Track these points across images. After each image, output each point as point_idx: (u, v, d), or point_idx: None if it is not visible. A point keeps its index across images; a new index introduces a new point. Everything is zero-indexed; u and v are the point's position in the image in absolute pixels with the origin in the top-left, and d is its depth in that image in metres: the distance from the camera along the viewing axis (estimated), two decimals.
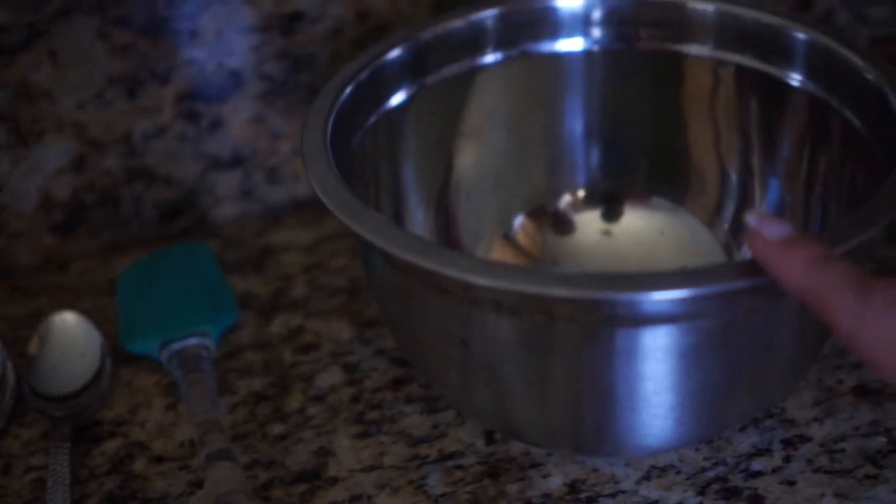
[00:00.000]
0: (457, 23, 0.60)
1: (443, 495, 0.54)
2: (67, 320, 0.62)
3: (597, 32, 0.61)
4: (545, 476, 0.55)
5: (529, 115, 0.63)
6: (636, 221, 0.63)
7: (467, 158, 0.62)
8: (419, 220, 0.61)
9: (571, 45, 0.61)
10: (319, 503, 0.55)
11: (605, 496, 0.54)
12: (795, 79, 0.58)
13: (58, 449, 0.56)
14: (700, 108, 0.62)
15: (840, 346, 0.60)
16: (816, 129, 0.57)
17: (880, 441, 0.55)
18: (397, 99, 0.59)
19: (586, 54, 0.62)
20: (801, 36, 0.57)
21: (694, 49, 0.60)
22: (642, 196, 0.63)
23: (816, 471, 0.54)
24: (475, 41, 0.60)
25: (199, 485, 0.56)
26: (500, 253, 0.62)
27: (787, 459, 0.55)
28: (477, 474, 0.55)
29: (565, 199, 0.64)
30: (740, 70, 0.60)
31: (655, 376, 0.49)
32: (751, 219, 0.45)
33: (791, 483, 0.54)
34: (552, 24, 0.61)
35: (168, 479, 0.56)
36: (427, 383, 0.59)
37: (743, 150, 0.61)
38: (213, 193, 0.70)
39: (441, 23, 0.59)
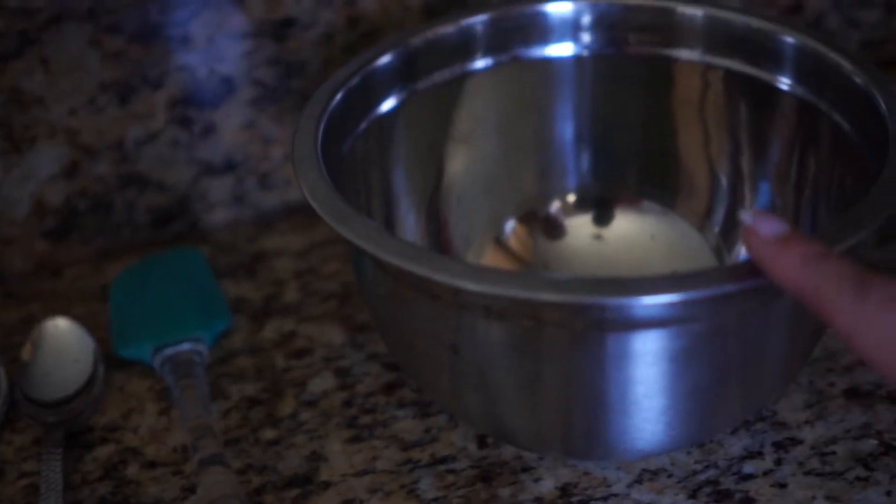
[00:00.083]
0: (447, 28, 0.60)
1: (435, 499, 0.55)
2: (60, 326, 0.62)
3: (586, 37, 0.61)
4: (537, 480, 0.55)
5: (520, 120, 0.63)
6: (627, 225, 0.64)
7: (458, 164, 0.62)
8: (410, 225, 0.61)
9: (561, 50, 0.62)
10: None
11: (596, 500, 0.54)
12: (784, 83, 0.58)
13: (50, 455, 0.57)
14: (690, 113, 0.62)
15: (831, 348, 0.60)
16: (806, 133, 0.58)
17: (871, 444, 0.55)
18: (388, 105, 0.59)
19: (576, 59, 0.62)
20: (789, 40, 0.57)
21: (683, 53, 0.61)
22: (633, 200, 0.64)
23: (808, 473, 0.54)
24: (465, 47, 0.60)
25: (191, 490, 0.56)
26: (491, 258, 0.63)
27: (778, 462, 0.55)
28: (469, 478, 0.55)
29: (556, 204, 0.64)
30: (729, 74, 0.60)
31: (646, 380, 0.49)
32: (745, 216, 0.45)
33: (782, 486, 0.54)
34: (542, 30, 0.61)
35: (161, 485, 0.56)
36: (419, 388, 0.59)
37: (733, 153, 0.61)
38: (205, 199, 0.70)
39: (431, 28, 0.60)
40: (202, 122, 0.68)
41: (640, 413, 0.50)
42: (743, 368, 0.51)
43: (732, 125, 0.61)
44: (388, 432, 0.58)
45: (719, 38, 0.59)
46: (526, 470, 0.56)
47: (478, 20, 0.60)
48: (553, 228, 0.64)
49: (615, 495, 0.54)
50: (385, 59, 0.58)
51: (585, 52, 0.62)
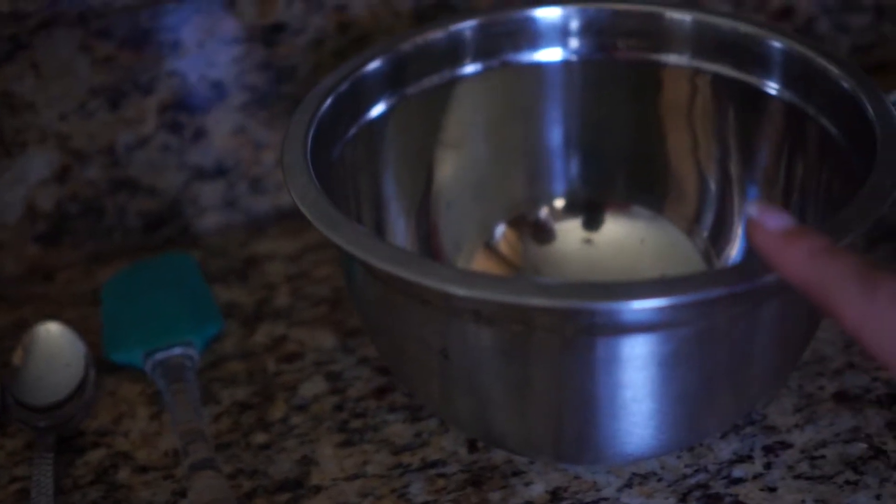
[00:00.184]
0: (436, 34, 0.60)
1: (425, 503, 0.55)
2: (51, 330, 0.62)
3: (575, 42, 0.62)
4: (527, 484, 0.55)
5: (509, 125, 0.63)
6: (617, 230, 0.64)
7: (448, 169, 0.62)
8: (400, 230, 0.61)
9: (550, 55, 0.62)
10: None
11: None
12: (772, 87, 0.58)
13: (42, 459, 0.57)
14: (678, 117, 0.62)
15: (821, 352, 0.60)
16: (793, 137, 0.58)
17: (860, 447, 0.56)
18: (377, 110, 0.59)
19: (565, 64, 0.62)
20: (777, 45, 0.58)
21: (672, 58, 0.61)
22: (622, 205, 0.64)
23: (797, 477, 0.55)
24: (455, 52, 0.60)
25: (182, 494, 0.56)
26: (481, 262, 0.63)
27: (767, 466, 0.55)
28: (459, 482, 0.56)
29: (546, 209, 0.64)
30: (718, 79, 0.60)
31: (636, 384, 0.49)
32: (751, 209, 0.44)
33: (772, 490, 0.54)
34: (531, 35, 0.61)
35: (152, 489, 0.56)
36: (409, 392, 0.59)
37: (721, 157, 0.61)
38: (196, 204, 0.70)
39: (421, 34, 0.60)
40: (193, 127, 0.69)
41: (629, 417, 0.50)
42: (732, 372, 0.51)
43: (721, 130, 0.61)
44: (378, 436, 0.58)
45: (707, 43, 0.60)
46: (516, 474, 0.56)
47: (467, 26, 0.60)
48: (543, 233, 0.64)
49: (605, 499, 0.54)
50: (374, 65, 0.58)
51: (574, 58, 0.62)
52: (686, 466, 0.55)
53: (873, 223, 0.47)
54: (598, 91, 0.62)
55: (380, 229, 0.60)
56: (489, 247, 0.64)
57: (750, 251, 0.60)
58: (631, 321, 0.47)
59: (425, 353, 0.51)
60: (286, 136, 0.54)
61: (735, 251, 0.61)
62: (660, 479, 0.55)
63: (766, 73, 0.58)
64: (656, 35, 0.61)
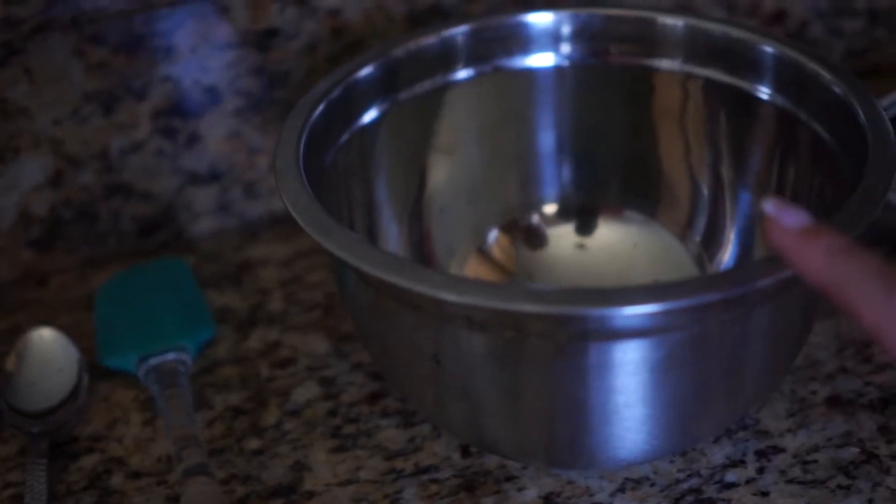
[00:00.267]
0: (429, 39, 0.60)
1: None
2: (45, 336, 0.62)
3: (567, 48, 0.62)
4: (520, 489, 0.55)
5: (502, 130, 0.63)
6: (610, 235, 0.64)
7: (440, 174, 0.62)
8: (393, 236, 0.61)
9: (543, 60, 0.62)
10: None
11: None
12: (764, 92, 0.58)
13: (35, 465, 0.57)
14: (671, 122, 0.62)
15: (813, 357, 0.60)
16: (785, 142, 0.58)
17: (853, 452, 0.56)
18: (370, 116, 0.59)
19: (557, 69, 0.62)
20: (769, 50, 0.58)
21: (664, 63, 0.61)
22: (615, 209, 0.64)
23: (790, 482, 0.55)
24: (447, 57, 0.60)
25: (176, 500, 0.56)
26: (474, 267, 0.63)
27: (760, 471, 0.55)
28: (452, 488, 0.56)
29: (539, 214, 0.64)
30: (710, 84, 0.60)
31: (628, 390, 0.49)
32: (767, 206, 0.44)
33: (765, 494, 0.54)
34: (523, 40, 0.61)
35: (145, 495, 0.56)
36: (402, 398, 0.59)
37: (713, 162, 0.61)
38: (190, 209, 0.70)
39: (413, 39, 0.60)
40: (187, 132, 0.69)
41: (622, 422, 0.50)
42: (725, 377, 0.51)
43: (713, 134, 0.61)
44: (371, 442, 0.58)
45: (699, 48, 0.60)
46: (509, 479, 0.56)
47: (459, 31, 0.60)
48: (536, 238, 0.64)
49: None
50: (367, 71, 0.58)
51: (566, 63, 0.62)
52: (679, 471, 0.55)
53: (866, 228, 0.47)
54: (590, 96, 0.62)
55: (372, 235, 0.60)
56: (482, 252, 0.64)
57: (742, 256, 0.60)
58: (623, 327, 0.47)
59: (418, 358, 0.51)
60: (278, 141, 0.54)
61: (727, 256, 0.61)
62: (653, 484, 0.55)
63: (758, 78, 0.58)
64: (648, 40, 0.61)
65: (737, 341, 0.50)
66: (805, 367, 0.60)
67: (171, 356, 0.61)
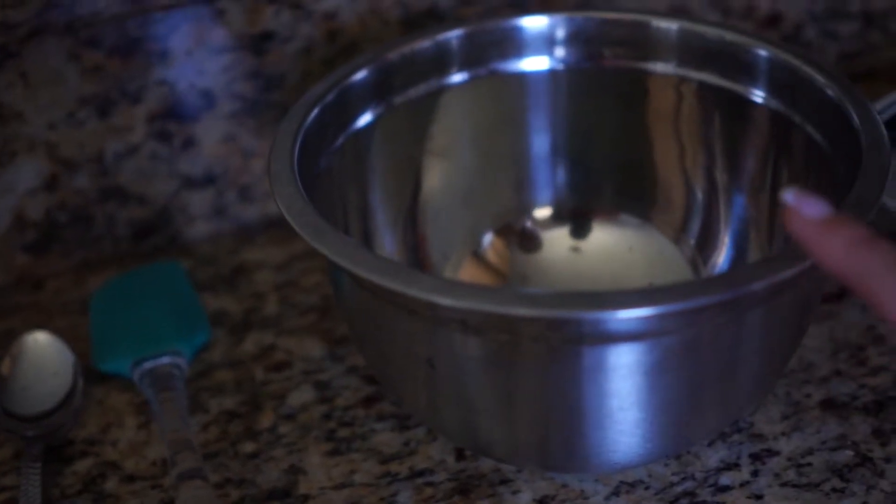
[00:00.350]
0: (423, 43, 0.60)
1: None
2: (39, 340, 0.62)
3: (562, 51, 0.62)
4: (515, 492, 0.55)
5: (496, 133, 0.63)
6: (605, 238, 0.64)
7: (435, 178, 0.62)
8: (387, 239, 0.61)
9: (537, 63, 0.62)
10: None
11: None
12: (758, 95, 0.58)
13: (29, 469, 0.57)
14: (665, 125, 0.62)
15: (808, 360, 0.60)
16: (779, 145, 0.58)
17: (847, 454, 0.56)
18: (364, 120, 0.59)
19: (552, 73, 0.62)
20: (763, 53, 0.58)
21: (658, 67, 0.61)
22: (610, 212, 0.64)
23: (784, 485, 0.55)
24: (441, 61, 0.60)
25: None
26: (469, 271, 0.63)
27: (754, 474, 0.55)
28: (447, 491, 0.56)
29: (533, 217, 0.64)
30: (704, 87, 0.60)
31: (622, 393, 0.49)
32: (788, 196, 0.44)
33: (759, 497, 0.54)
34: (517, 44, 0.61)
35: (140, 499, 0.56)
36: (397, 401, 0.59)
37: (707, 165, 0.61)
38: (185, 212, 0.70)
39: (407, 43, 0.60)
40: (182, 136, 0.69)
41: (616, 426, 0.50)
42: (719, 380, 0.51)
43: (707, 137, 0.61)
44: (366, 445, 0.58)
45: (693, 52, 0.60)
46: (504, 482, 0.56)
47: (453, 35, 0.60)
48: (531, 241, 0.64)
49: None
50: (361, 75, 0.58)
51: (561, 66, 0.62)
52: (673, 474, 0.55)
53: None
54: (584, 99, 0.62)
55: (367, 239, 0.60)
56: (477, 256, 0.64)
57: (737, 259, 0.60)
58: (617, 330, 0.47)
59: (412, 362, 0.51)
60: (273, 146, 0.54)
61: (721, 259, 0.61)
62: (647, 487, 0.55)
63: (753, 82, 0.58)
64: (642, 44, 0.61)
65: (731, 344, 0.50)
66: (799, 370, 0.60)
67: (165, 360, 0.61)
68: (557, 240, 0.64)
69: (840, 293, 0.63)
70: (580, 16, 0.61)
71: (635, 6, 0.72)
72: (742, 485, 0.55)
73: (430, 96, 0.61)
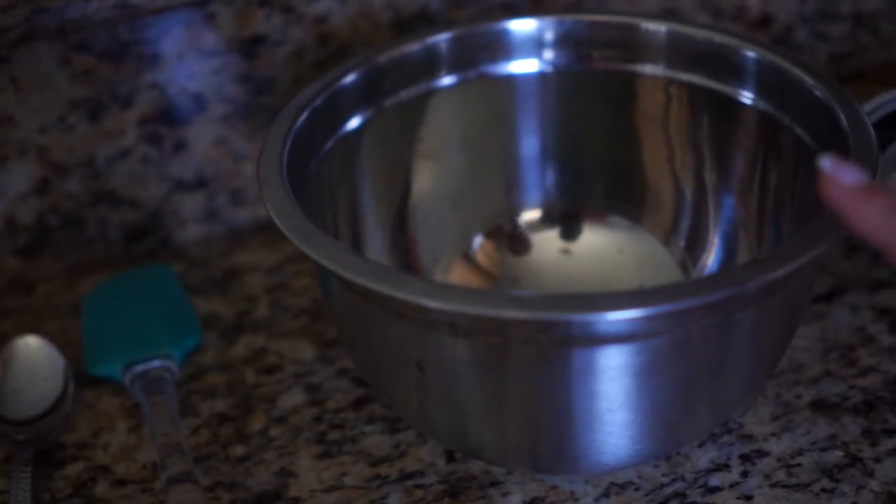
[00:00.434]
0: (412, 46, 0.60)
1: None
2: (30, 344, 0.62)
3: (551, 54, 0.62)
4: (505, 494, 0.55)
5: (486, 136, 0.63)
6: (595, 240, 0.64)
7: (425, 181, 0.63)
8: (378, 242, 0.61)
9: (526, 66, 0.62)
10: None
11: None
12: (747, 97, 0.58)
13: (20, 473, 0.57)
14: (654, 127, 0.62)
15: (798, 360, 0.60)
16: (768, 146, 0.58)
17: (837, 455, 0.56)
18: (354, 123, 0.59)
19: (541, 75, 0.62)
20: (751, 55, 0.58)
21: (647, 69, 0.61)
22: (600, 214, 0.64)
23: (774, 485, 0.55)
24: (431, 64, 0.61)
25: None
26: (459, 273, 0.63)
27: (744, 474, 0.55)
28: (437, 493, 0.56)
29: (523, 219, 0.64)
30: (693, 88, 0.60)
31: (612, 395, 0.49)
32: (824, 163, 0.43)
33: (749, 498, 0.54)
34: (506, 47, 0.61)
35: (130, 502, 0.56)
36: (387, 404, 0.59)
37: (696, 167, 0.61)
38: (177, 215, 0.71)
39: (397, 47, 0.60)
40: (173, 139, 0.69)
41: (606, 427, 0.50)
42: (708, 382, 0.51)
43: (696, 139, 0.61)
44: (357, 448, 0.58)
45: (682, 54, 0.60)
46: (494, 484, 0.56)
47: (442, 38, 0.61)
48: (521, 243, 0.64)
49: None
50: (351, 78, 0.58)
51: (550, 69, 0.62)
52: (663, 475, 0.56)
53: (849, 231, 0.47)
54: (574, 102, 0.62)
55: (357, 242, 0.60)
56: (467, 258, 0.64)
57: (726, 260, 0.60)
58: (606, 332, 0.47)
59: (402, 365, 0.51)
60: (262, 149, 0.54)
61: (711, 260, 0.61)
62: (637, 489, 0.55)
63: (741, 83, 0.58)
64: (631, 46, 0.61)
65: (720, 346, 0.50)
66: (789, 370, 0.60)
67: (156, 363, 0.61)
68: (547, 242, 0.64)
69: (830, 294, 0.64)
70: (569, 18, 0.61)
71: (625, 8, 0.73)
72: (732, 486, 0.55)
73: (420, 99, 0.61)
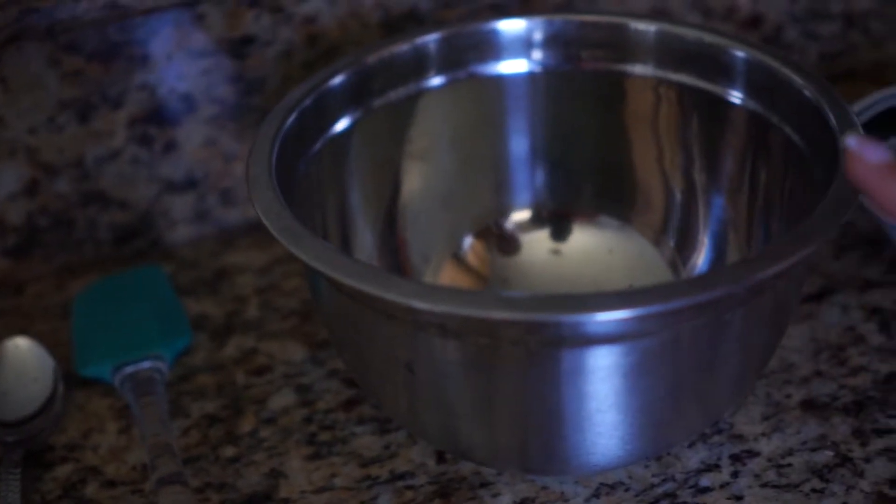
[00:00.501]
0: (401, 47, 0.60)
1: None
2: (20, 345, 0.62)
3: (540, 54, 0.62)
4: (495, 495, 0.55)
5: (475, 136, 0.63)
6: (585, 240, 0.64)
7: (414, 181, 0.62)
8: (367, 243, 0.61)
9: (515, 66, 0.62)
10: None
11: None
12: (736, 96, 0.58)
13: (9, 474, 0.56)
14: (643, 127, 0.62)
15: (788, 360, 0.60)
16: (757, 146, 0.58)
17: (827, 455, 0.56)
18: (343, 124, 0.59)
19: (530, 75, 0.62)
20: (741, 55, 0.58)
21: (637, 69, 0.61)
22: (590, 215, 0.64)
23: (764, 486, 0.55)
24: (420, 64, 0.60)
25: None
26: (449, 274, 0.63)
27: (735, 475, 0.55)
28: (427, 494, 0.56)
29: (513, 219, 0.64)
30: (682, 88, 0.60)
31: (602, 395, 0.49)
32: (850, 141, 0.44)
33: (739, 498, 0.54)
34: (495, 47, 0.61)
35: None
36: (377, 404, 0.59)
37: (686, 166, 0.61)
38: (167, 216, 0.70)
39: (385, 47, 0.60)
40: (163, 140, 0.69)
41: (596, 428, 0.50)
42: (698, 382, 0.51)
43: (685, 139, 0.61)
44: (347, 449, 0.58)
45: (672, 53, 0.60)
46: (484, 485, 0.56)
47: (431, 38, 0.60)
48: (511, 244, 0.64)
49: None
50: (339, 79, 0.58)
51: (539, 69, 0.62)
52: (653, 476, 0.56)
53: (838, 231, 0.48)
54: (563, 102, 0.62)
55: (347, 243, 0.60)
56: (457, 258, 0.64)
57: (716, 260, 0.60)
58: (596, 333, 0.47)
59: (391, 366, 0.51)
60: (251, 150, 0.54)
61: (701, 260, 0.61)
62: (627, 489, 0.55)
63: (730, 83, 0.58)
64: (621, 46, 0.61)
65: (710, 346, 0.50)
66: (780, 370, 0.60)
67: (146, 364, 0.61)
68: (537, 242, 0.64)
69: (820, 294, 0.64)
70: (558, 18, 0.61)
71: (614, 8, 0.73)
72: (722, 486, 0.55)
73: (409, 99, 0.61)
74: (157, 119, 0.68)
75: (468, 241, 0.64)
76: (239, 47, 0.68)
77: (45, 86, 0.65)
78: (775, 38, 0.77)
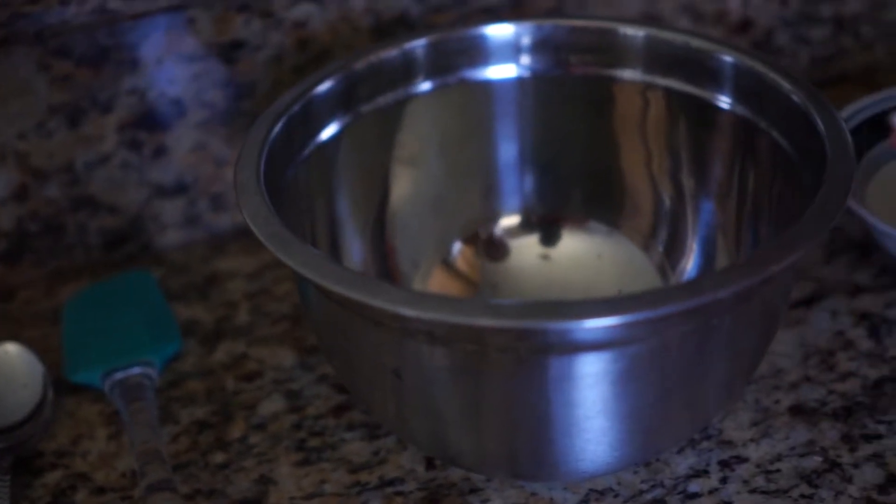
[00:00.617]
0: (390, 52, 0.60)
1: None
2: (9, 351, 0.62)
3: (529, 59, 0.62)
4: (484, 501, 0.55)
5: (464, 141, 0.63)
6: (574, 245, 0.64)
7: (403, 187, 0.62)
8: (356, 250, 0.61)
9: (504, 71, 0.62)
10: None
11: None
12: (725, 101, 0.58)
13: None
14: (632, 132, 0.62)
15: (777, 366, 0.60)
16: (746, 150, 0.58)
17: (816, 461, 0.56)
18: (331, 130, 0.59)
19: (519, 81, 0.62)
20: (729, 59, 0.58)
21: (625, 74, 0.61)
22: (579, 220, 0.64)
23: (753, 491, 0.55)
24: (408, 70, 0.60)
25: None
26: (439, 280, 0.63)
27: (723, 480, 0.55)
28: (417, 500, 0.56)
29: (502, 225, 0.64)
30: (670, 93, 0.60)
31: (590, 402, 0.49)
32: (894, 118, 0.43)
33: None
34: (483, 52, 0.61)
35: None
36: (367, 410, 0.59)
37: (674, 171, 0.61)
38: (157, 221, 0.70)
39: (374, 52, 0.60)
40: (153, 145, 0.68)
41: (585, 434, 0.50)
42: (687, 388, 0.51)
43: (674, 144, 0.61)
44: (336, 455, 0.58)
45: (660, 58, 0.60)
46: (474, 491, 0.56)
47: (420, 44, 0.60)
48: (500, 249, 0.64)
49: None
50: (328, 85, 0.58)
51: (528, 74, 0.62)
52: (642, 482, 0.56)
53: (826, 236, 0.48)
54: (552, 107, 0.62)
55: (336, 250, 0.60)
56: (447, 264, 0.63)
57: (705, 265, 0.60)
58: (584, 340, 0.47)
59: (380, 373, 0.51)
60: (239, 156, 0.54)
61: (690, 265, 0.61)
62: (616, 495, 0.55)
63: (719, 88, 0.58)
64: (609, 50, 0.61)
65: (698, 352, 0.50)
66: (769, 375, 0.60)
67: (136, 370, 0.61)
68: (527, 248, 0.64)
69: (809, 299, 0.64)
70: (547, 23, 0.61)
71: (603, 13, 0.72)
72: (711, 492, 0.55)
73: (398, 105, 0.61)
74: (146, 124, 0.68)
75: (457, 246, 0.64)
76: (229, 52, 0.68)
77: (34, 90, 0.65)
78: (766, 43, 0.77)
